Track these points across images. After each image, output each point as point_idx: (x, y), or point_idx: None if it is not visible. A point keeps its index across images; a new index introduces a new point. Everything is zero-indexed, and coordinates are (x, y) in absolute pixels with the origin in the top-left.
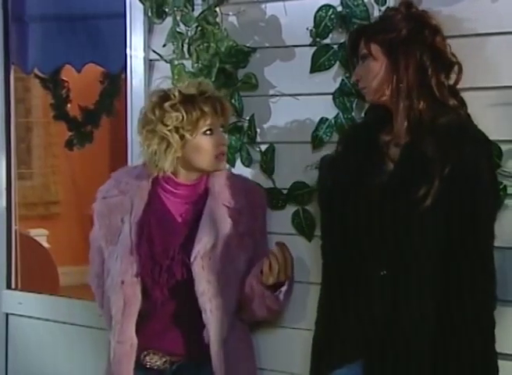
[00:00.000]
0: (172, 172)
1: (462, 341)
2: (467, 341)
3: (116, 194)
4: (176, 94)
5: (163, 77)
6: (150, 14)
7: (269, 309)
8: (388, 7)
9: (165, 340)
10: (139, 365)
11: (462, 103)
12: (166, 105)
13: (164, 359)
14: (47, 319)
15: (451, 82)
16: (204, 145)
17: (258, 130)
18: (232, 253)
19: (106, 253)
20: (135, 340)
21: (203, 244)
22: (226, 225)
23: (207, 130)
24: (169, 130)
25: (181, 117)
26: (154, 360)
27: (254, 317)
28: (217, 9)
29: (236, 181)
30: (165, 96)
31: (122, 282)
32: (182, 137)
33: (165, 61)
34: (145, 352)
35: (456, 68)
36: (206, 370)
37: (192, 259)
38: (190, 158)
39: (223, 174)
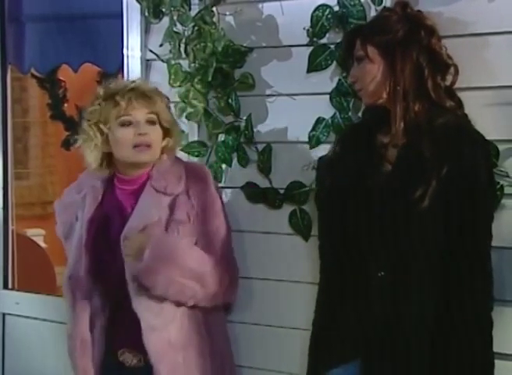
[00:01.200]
0: (118, 168)
1: (462, 341)
2: (467, 341)
3: (72, 194)
4: (101, 91)
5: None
6: (147, 14)
7: None
8: (384, 7)
9: (137, 337)
10: (117, 363)
11: (459, 104)
12: (92, 101)
13: (138, 358)
14: (44, 319)
15: (447, 83)
16: (120, 136)
17: (255, 130)
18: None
19: (65, 248)
20: (87, 335)
21: (129, 228)
22: (158, 211)
23: (123, 122)
24: (89, 125)
25: (98, 111)
26: (129, 359)
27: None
28: (214, 9)
29: (176, 167)
30: (94, 94)
31: (70, 277)
32: (101, 131)
33: (162, 61)
34: (120, 351)
35: (452, 69)
36: None
37: (121, 246)
38: (114, 152)
39: (165, 162)
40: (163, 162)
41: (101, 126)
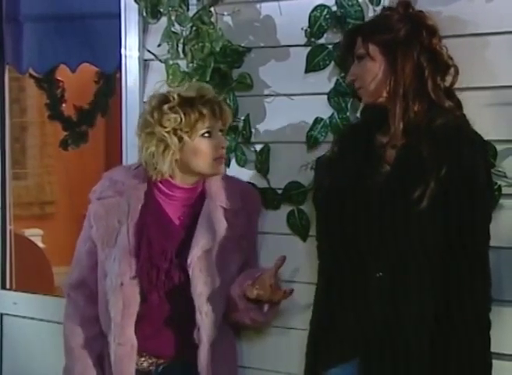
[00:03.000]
0: (169, 174)
1: (462, 342)
2: (467, 342)
3: (112, 195)
4: (175, 96)
5: (162, 81)
6: (145, 14)
7: (253, 321)
8: (384, 6)
9: (154, 342)
10: None
11: (458, 105)
12: (165, 107)
13: (150, 361)
14: (42, 320)
15: (447, 84)
16: (202, 148)
17: (253, 130)
18: (228, 255)
19: (102, 255)
20: (135, 341)
21: (200, 246)
22: (223, 227)
23: (205, 133)
24: (167, 132)
25: (179, 119)
26: (141, 362)
27: (238, 324)
28: (212, 9)
29: (232, 183)
30: (164, 99)
31: (122, 283)
32: (180, 139)
33: (160, 61)
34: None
35: (452, 70)
36: (191, 371)
37: (189, 261)
38: (189, 161)
39: (219, 176)
40: (218, 176)
41: (182, 134)
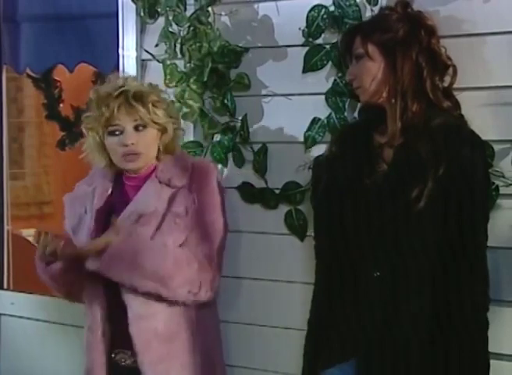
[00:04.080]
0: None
1: (462, 341)
2: (466, 341)
3: (84, 187)
4: (93, 95)
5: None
6: (142, 14)
7: None
8: (381, 7)
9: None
10: (112, 363)
11: (456, 105)
12: (86, 105)
13: (133, 359)
14: (39, 320)
15: (445, 84)
16: (110, 146)
17: (251, 130)
18: (161, 228)
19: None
20: (105, 326)
21: (125, 215)
22: (156, 202)
23: (111, 131)
24: (87, 130)
25: (90, 117)
26: (124, 359)
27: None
28: (209, 9)
29: (182, 161)
30: (90, 95)
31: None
32: (95, 136)
33: (158, 61)
34: (116, 351)
35: (450, 70)
36: None
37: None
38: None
39: (170, 157)
40: (168, 157)
41: (95, 133)
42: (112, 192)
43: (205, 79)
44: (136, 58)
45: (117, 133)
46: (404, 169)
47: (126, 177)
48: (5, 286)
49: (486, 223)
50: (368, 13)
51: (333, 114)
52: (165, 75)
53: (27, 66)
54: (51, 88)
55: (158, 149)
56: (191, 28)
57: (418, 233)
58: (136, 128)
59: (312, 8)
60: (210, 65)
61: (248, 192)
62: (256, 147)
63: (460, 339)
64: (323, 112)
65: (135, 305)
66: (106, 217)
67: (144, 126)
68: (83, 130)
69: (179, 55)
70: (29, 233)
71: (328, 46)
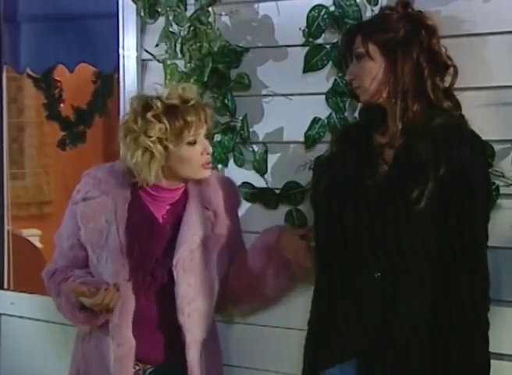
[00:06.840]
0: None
1: (462, 341)
2: (467, 341)
3: (98, 195)
4: (158, 104)
5: (156, 83)
6: (142, 14)
7: (290, 276)
8: (382, 6)
9: (142, 347)
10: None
11: (457, 105)
12: (149, 115)
13: (138, 368)
14: (39, 320)
15: (446, 84)
16: (188, 156)
17: (251, 130)
18: (214, 255)
19: (93, 257)
20: (133, 341)
21: (186, 246)
22: (205, 227)
23: (190, 141)
24: (152, 142)
25: (164, 128)
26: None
27: (261, 297)
28: (209, 9)
29: (213, 182)
30: (146, 105)
31: (115, 285)
32: (166, 148)
33: (158, 61)
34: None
35: (451, 70)
36: (179, 373)
37: (175, 262)
38: (175, 168)
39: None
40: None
41: (167, 143)
42: (130, 202)
43: (205, 79)
44: (137, 58)
45: (193, 143)
46: (405, 169)
47: (156, 189)
48: (6, 286)
49: (486, 223)
50: (368, 13)
51: (333, 114)
52: (166, 75)
53: (27, 66)
54: (51, 88)
55: None
56: (191, 28)
57: (418, 234)
58: (207, 137)
59: (312, 8)
60: (210, 65)
61: (248, 192)
62: (256, 147)
63: (460, 339)
64: (323, 112)
65: (194, 331)
66: (130, 228)
67: (208, 135)
68: (147, 142)
69: (180, 55)
70: (29, 233)
71: (328, 46)
